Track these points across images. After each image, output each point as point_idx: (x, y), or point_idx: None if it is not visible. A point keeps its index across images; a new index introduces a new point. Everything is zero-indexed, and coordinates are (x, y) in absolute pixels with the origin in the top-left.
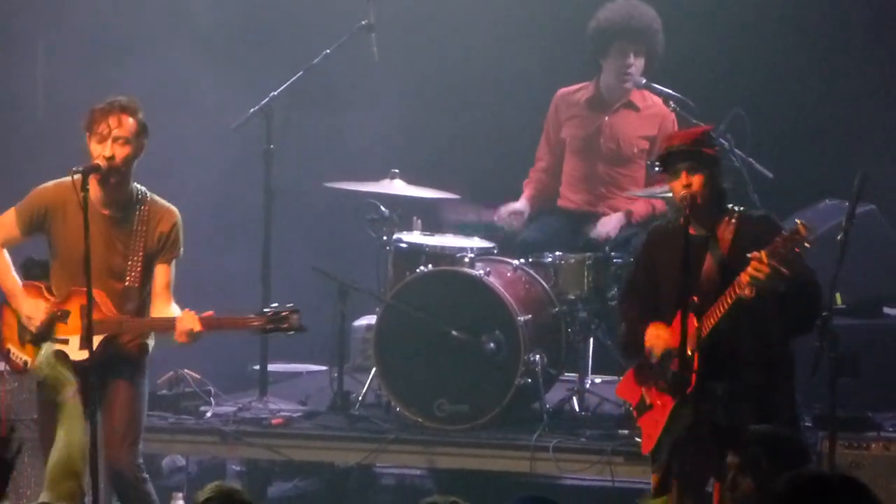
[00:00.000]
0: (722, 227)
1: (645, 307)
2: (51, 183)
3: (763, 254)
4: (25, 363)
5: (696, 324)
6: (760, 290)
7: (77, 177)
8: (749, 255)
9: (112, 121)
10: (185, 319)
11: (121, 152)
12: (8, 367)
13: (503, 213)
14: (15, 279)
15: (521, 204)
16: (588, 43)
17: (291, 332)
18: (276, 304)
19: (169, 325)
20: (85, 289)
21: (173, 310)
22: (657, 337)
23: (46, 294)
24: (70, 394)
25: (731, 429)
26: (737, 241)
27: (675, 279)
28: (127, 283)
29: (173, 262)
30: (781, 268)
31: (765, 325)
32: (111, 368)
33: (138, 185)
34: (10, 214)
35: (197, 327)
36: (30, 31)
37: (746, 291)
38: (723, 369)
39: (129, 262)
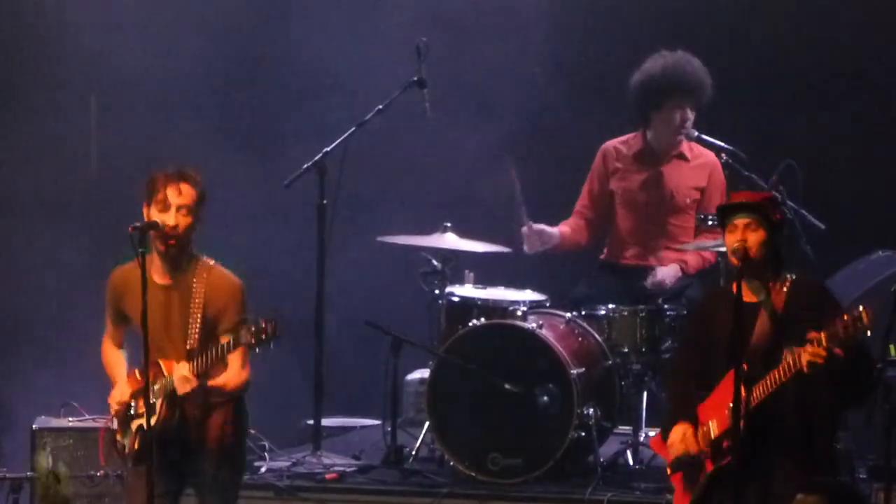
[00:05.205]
0: (774, 292)
1: (693, 379)
2: (115, 269)
3: (823, 337)
4: (123, 447)
5: (743, 394)
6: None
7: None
8: (808, 337)
9: (172, 190)
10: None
11: (184, 222)
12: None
13: (531, 230)
14: (119, 371)
15: (550, 228)
16: (636, 96)
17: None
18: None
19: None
20: (157, 360)
21: (234, 371)
22: (680, 441)
23: (138, 376)
24: None
25: (768, 489)
26: (789, 306)
27: (727, 343)
28: (189, 347)
29: (243, 334)
30: (837, 350)
31: (810, 393)
32: (199, 468)
33: (196, 253)
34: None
35: (184, 372)
36: (83, 89)
37: (804, 370)
38: (766, 437)
39: (189, 328)
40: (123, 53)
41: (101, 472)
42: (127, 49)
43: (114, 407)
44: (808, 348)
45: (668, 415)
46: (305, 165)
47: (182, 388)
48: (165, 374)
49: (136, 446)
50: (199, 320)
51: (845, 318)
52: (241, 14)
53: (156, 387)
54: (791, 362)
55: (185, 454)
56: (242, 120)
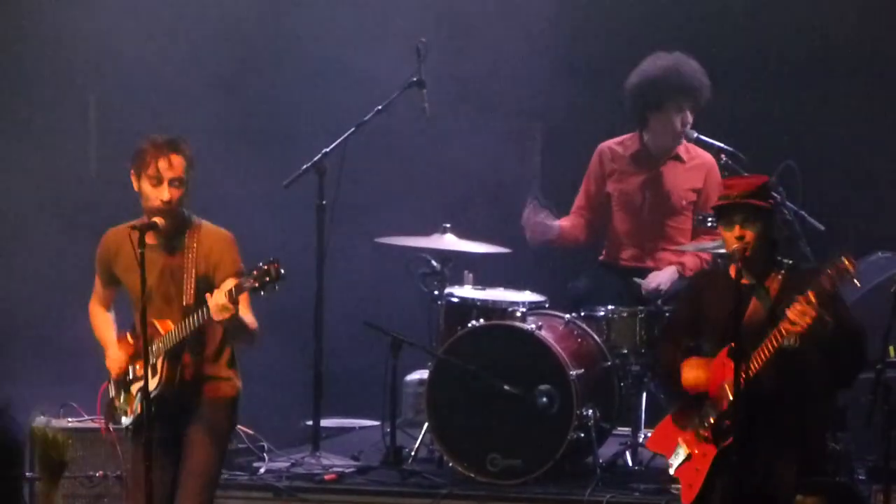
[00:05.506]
0: (770, 279)
1: (683, 343)
2: (109, 230)
3: (810, 293)
4: (125, 412)
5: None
6: (805, 336)
7: (135, 233)
8: (795, 297)
9: (163, 163)
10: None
11: (177, 194)
12: (112, 425)
13: (534, 210)
14: (109, 334)
15: (551, 221)
16: (633, 97)
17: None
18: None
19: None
20: (152, 320)
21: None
22: (696, 377)
23: (130, 339)
24: None
25: (769, 485)
26: (783, 291)
27: (720, 323)
28: (184, 304)
29: (245, 279)
30: (826, 314)
31: (808, 375)
32: (193, 416)
33: (187, 212)
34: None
35: (222, 299)
36: (83, 89)
37: (791, 340)
38: (763, 418)
39: (184, 285)
40: (123, 53)
41: (101, 472)
42: (126, 49)
43: (115, 371)
44: (797, 305)
45: (669, 372)
46: (305, 166)
47: (220, 315)
48: (162, 333)
49: (139, 409)
50: (193, 277)
51: (829, 271)
52: (241, 14)
53: (153, 347)
54: (781, 330)
55: (182, 413)
56: (242, 120)
